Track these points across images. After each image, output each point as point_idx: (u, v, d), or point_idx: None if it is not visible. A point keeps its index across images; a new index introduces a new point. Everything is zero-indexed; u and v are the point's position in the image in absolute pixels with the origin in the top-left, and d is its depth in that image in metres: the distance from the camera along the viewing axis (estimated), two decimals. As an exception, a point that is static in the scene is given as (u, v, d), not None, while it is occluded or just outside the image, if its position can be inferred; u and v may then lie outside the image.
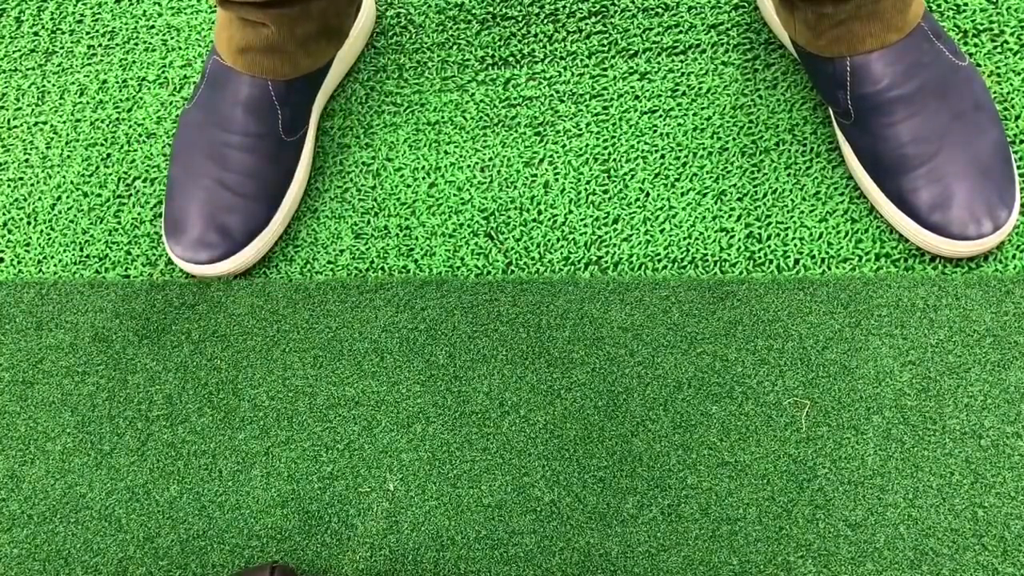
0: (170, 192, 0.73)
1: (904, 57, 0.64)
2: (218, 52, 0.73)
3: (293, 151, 0.74)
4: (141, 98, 0.84)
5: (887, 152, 0.64)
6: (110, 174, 0.81)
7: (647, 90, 0.75)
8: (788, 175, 0.70)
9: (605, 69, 0.77)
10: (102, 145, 0.82)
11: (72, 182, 0.81)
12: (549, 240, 0.71)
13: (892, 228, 0.66)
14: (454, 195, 0.74)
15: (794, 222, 0.68)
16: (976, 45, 0.71)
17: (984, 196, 0.62)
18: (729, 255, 0.68)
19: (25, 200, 0.81)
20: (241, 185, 0.72)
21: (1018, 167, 0.67)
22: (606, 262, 0.70)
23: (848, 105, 0.66)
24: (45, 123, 0.85)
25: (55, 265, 0.78)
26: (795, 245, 0.67)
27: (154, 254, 0.76)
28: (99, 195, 0.80)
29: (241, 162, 0.72)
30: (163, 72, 0.85)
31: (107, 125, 0.83)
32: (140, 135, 0.82)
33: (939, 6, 0.73)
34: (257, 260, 0.73)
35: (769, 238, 0.68)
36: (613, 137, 0.74)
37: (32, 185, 0.82)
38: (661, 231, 0.70)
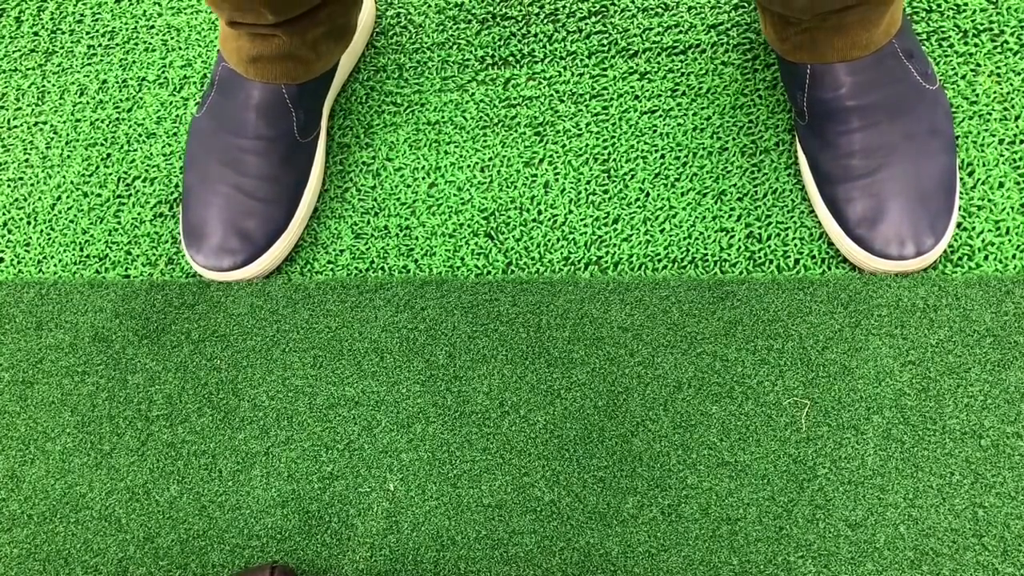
0: (187, 201, 0.73)
1: (866, 70, 0.63)
2: (226, 61, 0.72)
3: (308, 152, 0.74)
4: (141, 98, 0.84)
5: (833, 158, 0.64)
6: (110, 174, 0.81)
7: (647, 90, 0.75)
8: (788, 175, 0.70)
9: (605, 69, 0.77)
10: (102, 145, 0.82)
11: (72, 182, 0.81)
12: (549, 240, 0.71)
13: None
14: (454, 195, 0.74)
15: (794, 222, 0.68)
16: (976, 45, 0.71)
17: (914, 220, 0.62)
18: (729, 255, 0.68)
19: (25, 200, 0.81)
20: (259, 189, 0.71)
21: (1017, 167, 0.67)
22: (606, 262, 0.70)
23: (804, 106, 0.66)
24: (45, 123, 0.85)
25: (55, 265, 0.78)
26: (795, 245, 0.67)
27: (154, 254, 0.76)
28: (99, 195, 0.80)
29: (257, 166, 0.71)
30: (163, 72, 0.85)
31: (107, 125, 0.83)
32: (140, 135, 0.82)
33: (939, 6, 0.73)
34: (279, 263, 0.73)
35: (769, 238, 0.68)
36: (613, 137, 0.74)
37: (32, 185, 0.82)
38: (661, 231, 0.70)
